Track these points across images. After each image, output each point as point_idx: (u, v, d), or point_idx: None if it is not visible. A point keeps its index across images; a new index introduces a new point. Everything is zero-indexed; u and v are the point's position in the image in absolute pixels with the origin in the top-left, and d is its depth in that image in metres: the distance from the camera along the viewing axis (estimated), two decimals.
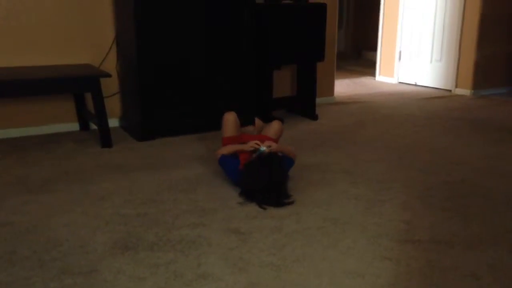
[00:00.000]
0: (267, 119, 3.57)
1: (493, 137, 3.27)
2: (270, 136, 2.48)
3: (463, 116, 3.88)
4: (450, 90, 4.86)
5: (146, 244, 1.76)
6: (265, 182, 2.11)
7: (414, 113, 3.99)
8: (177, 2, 3.03)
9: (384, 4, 5.45)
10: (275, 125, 2.59)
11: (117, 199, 2.18)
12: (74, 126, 3.32)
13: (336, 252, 1.72)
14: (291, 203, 2.12)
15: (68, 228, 1.89)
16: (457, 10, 4.68)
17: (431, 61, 5.04)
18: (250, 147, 2.28)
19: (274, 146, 2.29)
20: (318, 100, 4.04)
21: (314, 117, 3.77)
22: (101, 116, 2.92)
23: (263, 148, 2.25)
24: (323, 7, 3.62)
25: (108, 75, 2.94)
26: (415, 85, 5.22)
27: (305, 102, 3.87)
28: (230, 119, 2.54)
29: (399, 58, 5.35)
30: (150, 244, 1.77)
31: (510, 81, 4.95)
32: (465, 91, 4.73)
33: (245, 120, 2.74)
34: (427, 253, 1.72)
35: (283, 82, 4.02)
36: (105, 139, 2.94)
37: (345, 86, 5.17)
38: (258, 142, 2.29)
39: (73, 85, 2.92)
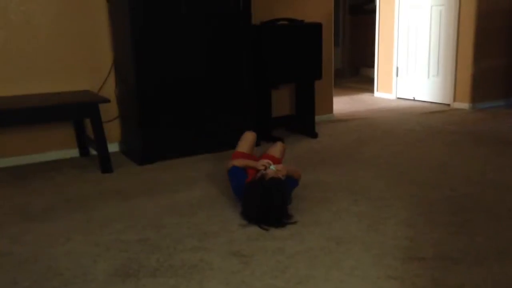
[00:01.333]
0: (268, 139, 3.60)
1: (494, 150, 3.27)
2: (276, 157, 2.49)
3: (463, 130, 3.87)
4: (448, 104, 4.87)
5: (148, 270, 1.74)
6: (265, 208, 2.09)
7: (414, 128, 3.99)
8: (175, 25, 3.06)
9: (379, 21, 5.50)
10: (279, 146, 2.60)
11: (118, 225, 2.17)
12: (74, 152, 3.32)
13: (340, 272, 1.70)
14: (293, 223, 2.11)
15: (69, 257, 1.87)
16: (452, 24, 4.73)
17: (428, 76, 5.06)
18: (261, 166, 2.27)
19: (283, 170, 2.25)
20: (317, 118, 4.05)
21: (313, 135, 3.77)
22: (101, 141, 2.93)
23: (273, 167, 2.24)
24: (318, 27, 3.66)
25: (107, 101, 2.95)
26: (414, 100, 5.23)
27: (304, 120, 3.88)
28: (249, 137, 2.63)
29: (397, 74, 5.38)
30: (151, 270, 1.75)
31: (508, 93, 4.96)
32: (464, 105, 4.74)
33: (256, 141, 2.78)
34: (432, 270, 1.70)
35: (282, 101, 4.04)
36: (105, 164, 2.94)
37: (344, 103, 5.19)
38: (269, 161, 2.29)
39: (72, 112, 2.93)
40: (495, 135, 3.68)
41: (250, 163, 2.36)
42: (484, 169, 2.86)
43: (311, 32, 3.65)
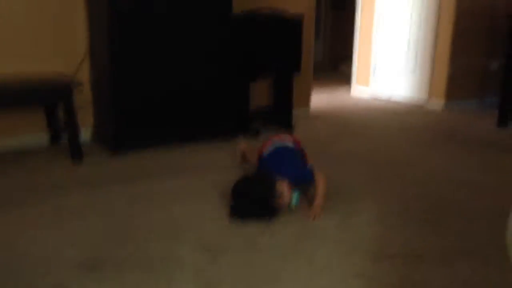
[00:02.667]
0: (246, 130, 3.57)
1: (467, 149, 3.32)
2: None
3: (437, 128, 3.93)
4: (423, 102, 4.93)
5: (115, 262, 1.71)
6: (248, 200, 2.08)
7: (389, 125, 4.02)
8: (153, 13, 2.99)
9: (359, 16, 5.51)
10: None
11: (88, 214, 2.12)
12: (45, 138, 3.24)
13: (310, 269, 1.70)
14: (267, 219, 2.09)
15: (33, 247, 1.82)
16: (431, 24, 4.77)
17: (405, 74, 5.11)
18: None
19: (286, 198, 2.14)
20: (295, 111, 4.05)
21: (290, 128, 3.77)
22: (73, 127, 2.85)
23: (296, 198, 2.13)
24: (299, 19, 3.63)
25: (81, 85, 2.87)
26: (390, 97, 5.28)
27: (281, 113, 3.87)
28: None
29: (374, 70, 5.41)
30: (119, 262, 1.71)
31: (482, 93, 5.05)
32: (438, 103, 4.81)
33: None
34: (400, 268, 1.71)
35: (260, 93, 4.01)
36: (77, 152, 2.87)
37: (321, 98, 5.20)
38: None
39: (44, 95, 2.84)
40: (468, 135, 3.74)
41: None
42: (456, 168, 2.90)
43: (292, 24, 3.62)
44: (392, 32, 5.16)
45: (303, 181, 2.26)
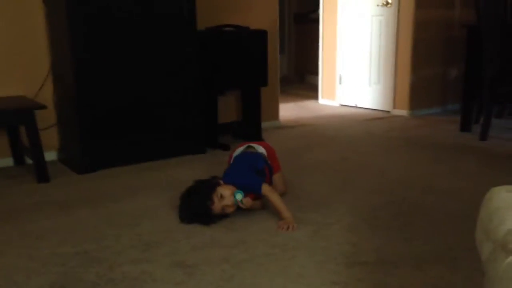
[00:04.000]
0: (214, 145, 3.56)
1: (431, 155, 3.41)
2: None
3: (402, 136, 4.02)
4: (388, 111, 5.05)
5: (86, 285, 1.66)
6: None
7: (356, 134, 4.09)
8: (116, 29, 2.97)
9: (323, 29, 5.62)
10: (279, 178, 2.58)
11: (54, 237, 2.06)
12: (8, 161, 3.14)
13: (285, 279, 1.70)
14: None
15: (1, 273, 1.75)
16: (391, 35, 4.91)
17: (369, 84, 5.22)
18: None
19: (247, 203, 2.23)
20: (264, 124, 4.07)
21: (259, 141, 3.78)
22: (36, 149, 2.78)
23: (239, 196, 2.19)
24: (264, 34, 3.68)
25: (43, 107, 2.81)
26: (356, 107, 5.38)
27: (250, 126, 3.88)
28: None
29: (340, 82, 5.51)
30: (90, 285, 1.67)
31: (444, 101, 5.21)
32: (403, 112, 4.93)
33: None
34: (373, 275, 1.73)
35: (228, 108, 4.02)
36: (42, 173, 2.80)
37: (289, 110, 5.25)
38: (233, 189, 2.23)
39: (5, 119, 2.77)
40: (433, 141, 3.84)
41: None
42: (423, 174, 2.97)
43: (257, 39, 3.67)
44: (355, 45, 5.28)
45: (251, 190, 2.25)
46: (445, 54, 5.06)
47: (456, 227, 2.15)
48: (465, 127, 4.14)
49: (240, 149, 2.59)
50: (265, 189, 2.24)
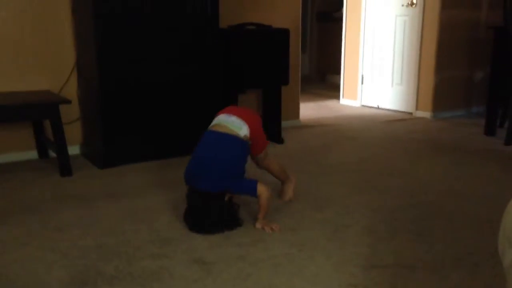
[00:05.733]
0: None
1: (453, 159, 3.35)
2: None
3: (424, 138, 3.97)
4: (411, 113, 4.98)
5: (105, 278, 1.69)
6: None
7: (378, 135, 4.05)
8: (140, 26, 3.01)
9: (346, 29, 5.58)
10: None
11: (75, 230, 2.10)
12: (33, 154, 3.21)
13: (302, 280, 1.69)
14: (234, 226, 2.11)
15: (22, 264, 1.80)
16: (415, 36, 4.84)
17: (392, 85, 5.16)
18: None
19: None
20: (284, 123, 4.06)
21: (279, 140, 3.78)
22: (60, 143, 2.84)
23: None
24: (286, 32, 3.67)
25: (67, 101, 2.86)
26: (378, 108, 5.33)
27: (270, 125, 3.88)
28: None
29: (362, 82, 5.46)
30: (109, 277, 1.70)
31: (468, 103, 5.12)
32: (426, 114, 4.86)
33: None
34: (391, 278, 1.72)
35: (248, 106, 4.03)
36: (65, 167, 2.85)
37: (310, 109, 5.22)
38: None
39: (31, 112, 2.83)
40: (455, 144, 3.78)
41: None
42: (444, 177, 2.93)
43: (279, 37, 3.66)
44: (378, 45, 5.23)
45: (246, 194, 2.18)
46: (470, 55, 4.97)
47: (478, 232, 2.11)
48: (489, 130, 4.06)
49: (217, 119, 2.31)
50: (260, 190, 2.12)
